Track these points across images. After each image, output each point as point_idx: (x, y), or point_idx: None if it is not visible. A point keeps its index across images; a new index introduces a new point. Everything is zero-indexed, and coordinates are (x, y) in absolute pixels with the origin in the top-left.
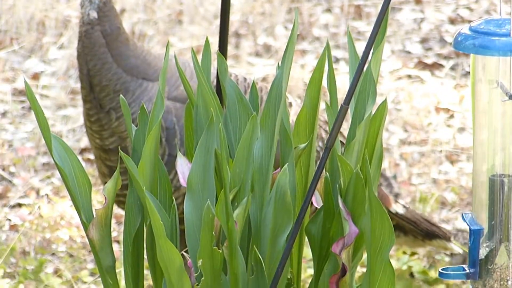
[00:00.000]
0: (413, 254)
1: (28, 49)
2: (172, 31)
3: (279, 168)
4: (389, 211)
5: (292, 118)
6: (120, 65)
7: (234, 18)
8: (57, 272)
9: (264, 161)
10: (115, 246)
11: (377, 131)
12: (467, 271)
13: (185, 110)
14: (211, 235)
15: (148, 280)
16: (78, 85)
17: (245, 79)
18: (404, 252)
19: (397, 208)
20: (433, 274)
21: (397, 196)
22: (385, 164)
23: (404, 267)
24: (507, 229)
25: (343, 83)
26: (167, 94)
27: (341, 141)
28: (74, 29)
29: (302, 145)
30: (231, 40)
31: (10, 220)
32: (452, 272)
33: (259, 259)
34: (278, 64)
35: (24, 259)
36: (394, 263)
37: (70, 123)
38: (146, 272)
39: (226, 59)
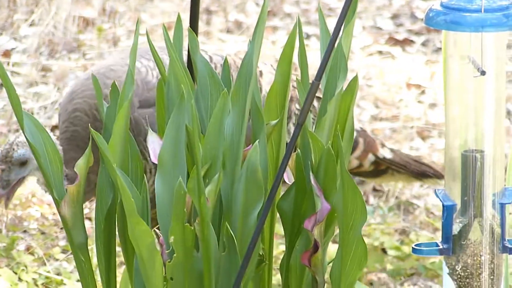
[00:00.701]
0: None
1: None
2: (143, 8)
3: (251, 145)
4: (377, 157)
5: (266, 88)
6: None
7: None
8: (29, 249)
9: (235, 138)
10: (87, 223)
11: (348, 106)
12: (441, 246)
13: (157, 87)
14: (183, 211)
15: (120, 257)
16: (49, 62)
17: (211, 58)
18: (375, 229)
19: (385, 152)
20: (406, 249)
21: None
22: None
23: (376, 243)
24: (480, 204)
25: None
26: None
27: (313, 118)
28: (45, 6)
29: (273, 122)
30: (202, 17)
31: None
32: (425, 248)
33: (231, 236)
34: (249, 40)
35: None
36: (366, 239)
37: (42, 100)
38: (118, 249)
39: (197, 35)
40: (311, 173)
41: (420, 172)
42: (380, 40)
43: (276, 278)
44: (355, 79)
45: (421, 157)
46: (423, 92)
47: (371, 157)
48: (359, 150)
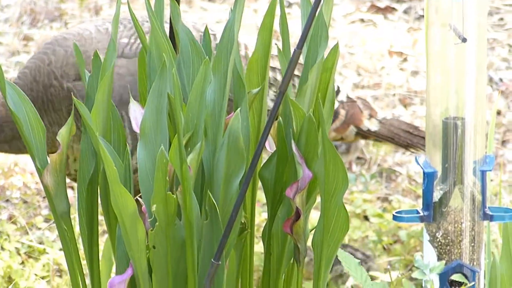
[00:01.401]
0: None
1: None
2: None
3: (232, 113)
4: (360, 129)
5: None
6: None
7: None
8: (11, 219)
9: (216, 106)
10: (70, 192)
11: (329, 74)
12: (421, 214)
13: (139, 56)
14: (165, 180)
15: (103, 226)
16: (31, 32)
17: None
18: (357, 196)
19: (370, 124)
20: (388, 217)
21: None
22: None
23: (359, 211)
24: (461, 172)
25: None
26: None
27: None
28: None
29: (255, 90)
30: None
31: None
32: (406, 215)
33: (213, 204)
34: (231, 9)
35: None
36: (348, 207)
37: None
38: (101, 218)
39: (179, 4)
40: (292, 141)
41: (411, 144)
42: (362, 8)
43: (259, 246)
44: (336, 46)
45: (419, 128)
46: (405, 59)
47: (352, 129)
48: (339, 122)
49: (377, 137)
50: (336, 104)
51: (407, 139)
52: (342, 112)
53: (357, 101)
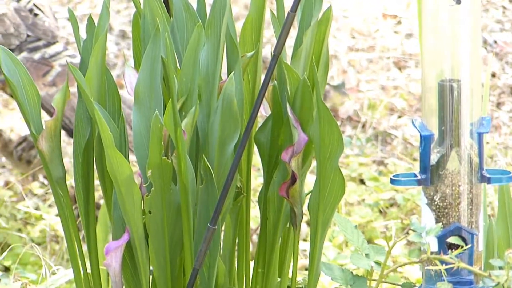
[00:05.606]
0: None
1: None
2: None
3: (226, 77)
4: None
5: None
6: None
7: None
8: (7, 185)
9: (210, 70)
10: (65, 158)
11: (323, 37)
12: (419, 177)
13: (133, 20)
14: (160, 145)
15: (99, 191)
16: None
17: None
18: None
19: (41, 90)
20: (384, 180)
21: None
22: (333, 72)
23: (354, 174)
24: (458, 134)
25: None
26: None
27: None
28: None
29: (250, 53)
30: None
31: None
32: (403, 179)
33: (208, 168)
34: None
35: None
36: (344, 171)
37: None
38: (96, 183)
39: None
40: (288, 105)
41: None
42: None
43: (255, 210)
44: (329, 9)
45: None
46: (399, 22)
47: None
48: None
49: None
50: (21, 57)
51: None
52: None
53: (49, 65)
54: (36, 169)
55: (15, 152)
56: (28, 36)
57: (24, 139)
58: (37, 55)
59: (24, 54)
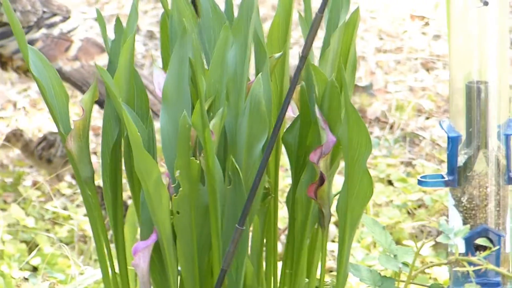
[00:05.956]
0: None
1: None
2: None
3: (254, 78)
4: None
5: None
6: None
7: None
8: (35, 185)
9: (238, 71)
10: (93, 158)
11: (350, 38)
12: (446, 178)
13: (161, 20)
14: (188, 145)
15: (127, 191)
16: None
17: None
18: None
19: (65, 64)
20: (412, 181)
21: None
22: (361, 73)
23: (382, 175)
24: (485, 136)
25: None
26: None
27: None
28: None
29: (277, 54)
30: None
31: None
32: (430, 180)
33: (236, 169)
34: None
35: (2, 172)
36: (372, 172)
37: None
38: (124, 182)
39: None
40: (316, 106)
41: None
42: None
43: (283, 211)
44: (356, 10)
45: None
46: (427, 23)
47: None
48: None
49: (65, 79)
50: (41, 34)
51: None
52: (40, 44)
53: (69, 40)
54: (64, 169)
55: (36, 151)
56: (44, 12)
57: (44, 138)
58: (55, 31)
59: (43, 30)
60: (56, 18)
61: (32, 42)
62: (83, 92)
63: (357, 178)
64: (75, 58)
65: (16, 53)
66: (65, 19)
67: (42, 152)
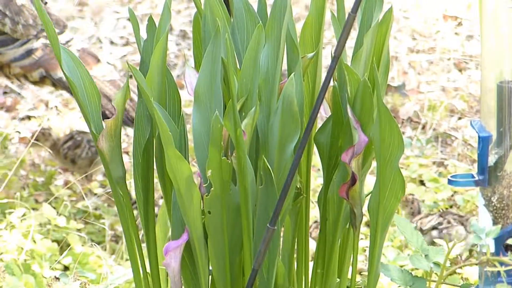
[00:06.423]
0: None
1: None
2: None
3: (287, 78)
4: (50, 75)
5: None
6: None
7: None
8: (67, 184)
9: (270, 71)
10: (125, 158)
11: (383, 38)
12: (476, 178)
13: (193, 20)
14: (220, 145)
15: (158, 191)
16: None
17: None
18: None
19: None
20: (444, 181)
21: None
22: (393, 73)
23: (414, 175)
24: None
25: None
26: None
27: None
28: None
29: (310, 55)
30: None
31: (19, 132)
32: (461, 179)
33: (268, 169)
34: None
35: (34, 171)
36: (404, 172)
37: (78, 34)
38: (156, 182)
39: None
40: (348, 106)
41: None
42: None
43: (314, 211)
44: (390, 10)
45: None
46: (460, 23)
47: (41, 72)
48: (30, 60)
49: (66, 88)
50: (40, 43)
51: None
52: (39, 53)
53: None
54: (95, 169)
55: (62, 150)
56: (42, 25)
57: (71, 137)
58: None
59: (42, 40)
60: None
61: (32, 51)
62: None
63: (389, 178)
64: None
65: (14, 61)
66: (61, 32)
67: (68, 152)
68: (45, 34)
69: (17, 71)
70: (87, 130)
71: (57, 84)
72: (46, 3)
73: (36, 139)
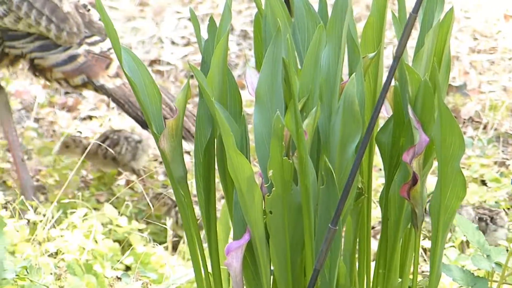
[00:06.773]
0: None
1: None
2: None
3: (348, 78)
4: (92, 81)
5: None
6: None
7: None
8: (128, 184)
9: (331, 71)
10: (186, 158)
11: (444, 38)
12: None
13: (254, 20)
14: (281, 145)
15: (220, 191)
16: None
17: None
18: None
19: (107, 81)
20: (505, 181)
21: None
22: (454, 73)
23: (475, 175)
24: None
25: None
26: None
27: None
28: None
29: (371, 54)
30: None
31: (81, 132)
32: None
33: (329, 169)
34: None
35: (94, 172)
36: (466, 172)
37: (140, 34)
38: (217, 181)
39: None
40: (409, 106)
41: (141, 121)
42: None
43: (376, 211)
44: (451, 10)
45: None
46: None
47: (83, 78)
48: (72, 66)
49: (108, 95)
50: (82, 50)
51: (134, 111)
52: (82, 59)
53: (108, 58)
54: (157, 168)
55: (100, 151)
56: (85, 33)
57: (106, 137)
58: (96, 49)
59: (85, 46)
60: (96, 37)
61: (74, 57)
62: (125, 110)
63: (451, 178)
64: (115, 75)
65: (56, 66)
66: (103, 40)
67: (107, 151)
68: (88, 41)
69: (59, 76)
70: (121, 127)
71: (99, 90)
72: (89, 10)
73: (65, 146)
